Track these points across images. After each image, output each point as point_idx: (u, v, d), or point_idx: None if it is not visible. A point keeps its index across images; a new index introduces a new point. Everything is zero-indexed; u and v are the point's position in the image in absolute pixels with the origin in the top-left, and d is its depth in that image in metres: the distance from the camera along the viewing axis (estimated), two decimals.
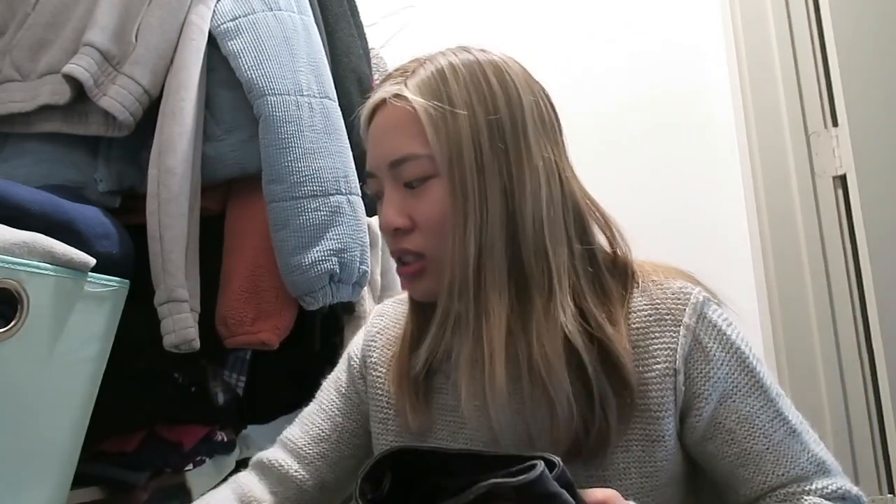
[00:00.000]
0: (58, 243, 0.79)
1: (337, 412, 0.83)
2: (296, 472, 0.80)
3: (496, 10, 1.86)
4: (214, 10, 1.04)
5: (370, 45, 1.36)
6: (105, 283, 0.84)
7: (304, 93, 1.03)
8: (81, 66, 0.94)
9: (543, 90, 0.75)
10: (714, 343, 0.70)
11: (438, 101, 0.69)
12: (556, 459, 0.51)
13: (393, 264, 1.50)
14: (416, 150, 0.69)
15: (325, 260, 1.00)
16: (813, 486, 0.68)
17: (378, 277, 1.34)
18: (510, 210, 0.68)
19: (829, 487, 0.68)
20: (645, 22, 1.65)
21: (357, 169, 1.09)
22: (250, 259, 1.03)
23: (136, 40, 0.99)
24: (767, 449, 0.69)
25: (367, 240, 1.09)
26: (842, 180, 1.44)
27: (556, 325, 0.66)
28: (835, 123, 1.45)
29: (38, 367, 0.76)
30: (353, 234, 1.04)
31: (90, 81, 0.95)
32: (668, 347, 0.70)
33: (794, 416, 0.72)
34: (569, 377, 0.66)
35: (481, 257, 0.67)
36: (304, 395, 0.88)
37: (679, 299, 0.71)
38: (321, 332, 1.19)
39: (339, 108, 1.09)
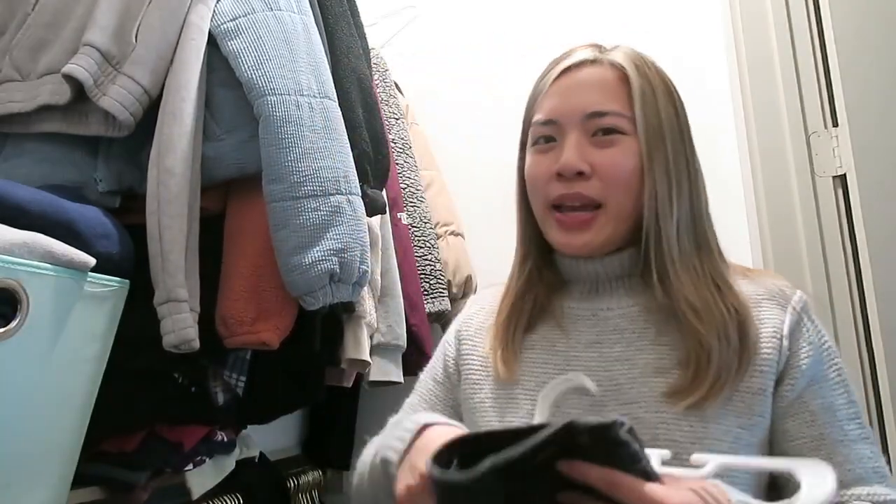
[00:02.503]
0: (58, 243, 0.79)
1: (436, 400, 0.90)
2: None
3: (496, 12, 1.86)
4: (214, 10, 1.04)
5: (370, 45, 1.36)
6: (105, 283, 0.85)
7: (304, 93, 1.03)
8: (81, 66, 0.94)
9: None
10: (814, 333, 0.77)
11: (644, 75, 0.80)
12: (624, 419, 0.54)
13: (393, 264, 1.48)
14: (618, 108, 0.79)
15: (325, 260, 1.00)
16: (874, 492, 0.70)
17: (378, 277, 1.34)
18: (692, 182, 0.80)
19: (890, 497, 0.70)
20: (645, 19, 1.65)
21: (357, 169, 1.09)
22: (250, 259, 1.03)
23: (136, 40, 0.99)
24: (842, 442, 0.72)
25: (368, 240, 1.09)
26: (842, 180, 1.43)
27: (709, 279, 0.77)
28: (835, 123, 1.45)
29: (38, 367, 0.76)
30: (353, 233, 1.04)
31: (90, 81, 0.95)
32: (778, 318, 0.76)
33: (867, 426, 0.75)
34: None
35: (667, 216, 0.77)
36: (304, 395, 0.88)
37: (788, 288, 0.79)
38: (321, 332, 1.19)
39: (339, 108, 1.09)
